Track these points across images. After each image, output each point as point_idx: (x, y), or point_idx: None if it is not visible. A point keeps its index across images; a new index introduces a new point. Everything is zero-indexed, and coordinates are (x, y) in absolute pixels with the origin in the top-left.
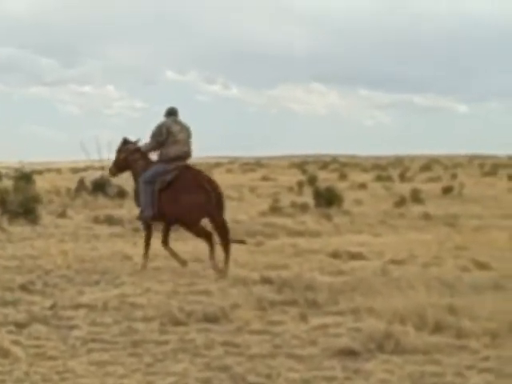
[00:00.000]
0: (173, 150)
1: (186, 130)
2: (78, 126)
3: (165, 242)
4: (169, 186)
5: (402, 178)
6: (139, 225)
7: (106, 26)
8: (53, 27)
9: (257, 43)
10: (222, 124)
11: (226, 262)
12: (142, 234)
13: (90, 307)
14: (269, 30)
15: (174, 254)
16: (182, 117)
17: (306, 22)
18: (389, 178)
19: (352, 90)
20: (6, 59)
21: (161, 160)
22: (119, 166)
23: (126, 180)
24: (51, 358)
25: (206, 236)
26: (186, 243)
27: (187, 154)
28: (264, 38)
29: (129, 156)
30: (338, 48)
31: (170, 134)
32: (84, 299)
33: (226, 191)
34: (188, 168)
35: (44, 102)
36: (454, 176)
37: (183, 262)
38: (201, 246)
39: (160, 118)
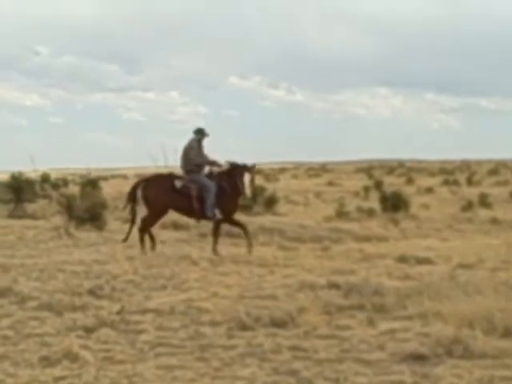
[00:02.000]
0: None
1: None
2: (143, 132)
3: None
4: None
5: (470, 182)
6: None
7: (166, 33)
8: (114, 36)
9: (320, 48)
10: (286, 129)
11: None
12: (209, 239)
13: (158, 312)
14: (332, 35)
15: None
16: (247, 121)
17: (370, 27)
18: (456, 183)
19: (418, 94)
20: (69, 67)
21: None
22: None
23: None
24: (119, 362)
25: None
26: (253, 249)
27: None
28: (327, 43)
29: None
30: (402, 52)
31: None
32: (151, 304)
33: (291, 196)
34: None
35: (108, 109)
36: None
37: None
38: (266, 251)
39: (226, 123)
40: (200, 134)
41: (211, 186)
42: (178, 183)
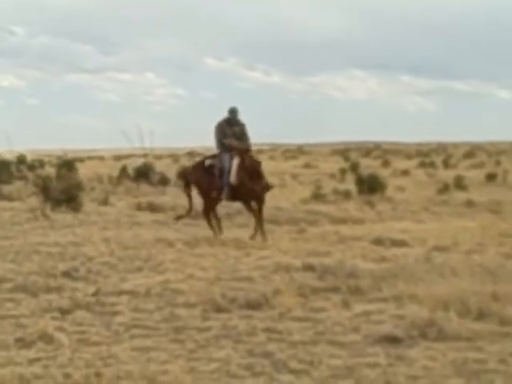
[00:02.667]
0: None
1: None
2: (119, 113)
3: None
4: None
5: (446, 164)
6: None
7: (142, 14)
8: (90, 17)
9: (296, 30)
10: (263, 111)
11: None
12: (184, 220)
13: (133, 293)
14: (308, 16)
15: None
16: (224, 103)
17: (347, 9)
18: (432, 165)
19: (393, 77)
20: (44, 48)
21: None
22: None
23: (167, 167)
24: (94, 343)
25: None
26: (230, 231)
27: None
28: (303, 24)
29: None
30: (378, 34)
31: None
32: (127, 286)
33: (268, 178)
34: None
35: (84, 90)
36: (497, 163)
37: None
38: (242, 233)
39: (203, 105)
40: (229, 112)
41: (226, 164)
42: (206, 162)
